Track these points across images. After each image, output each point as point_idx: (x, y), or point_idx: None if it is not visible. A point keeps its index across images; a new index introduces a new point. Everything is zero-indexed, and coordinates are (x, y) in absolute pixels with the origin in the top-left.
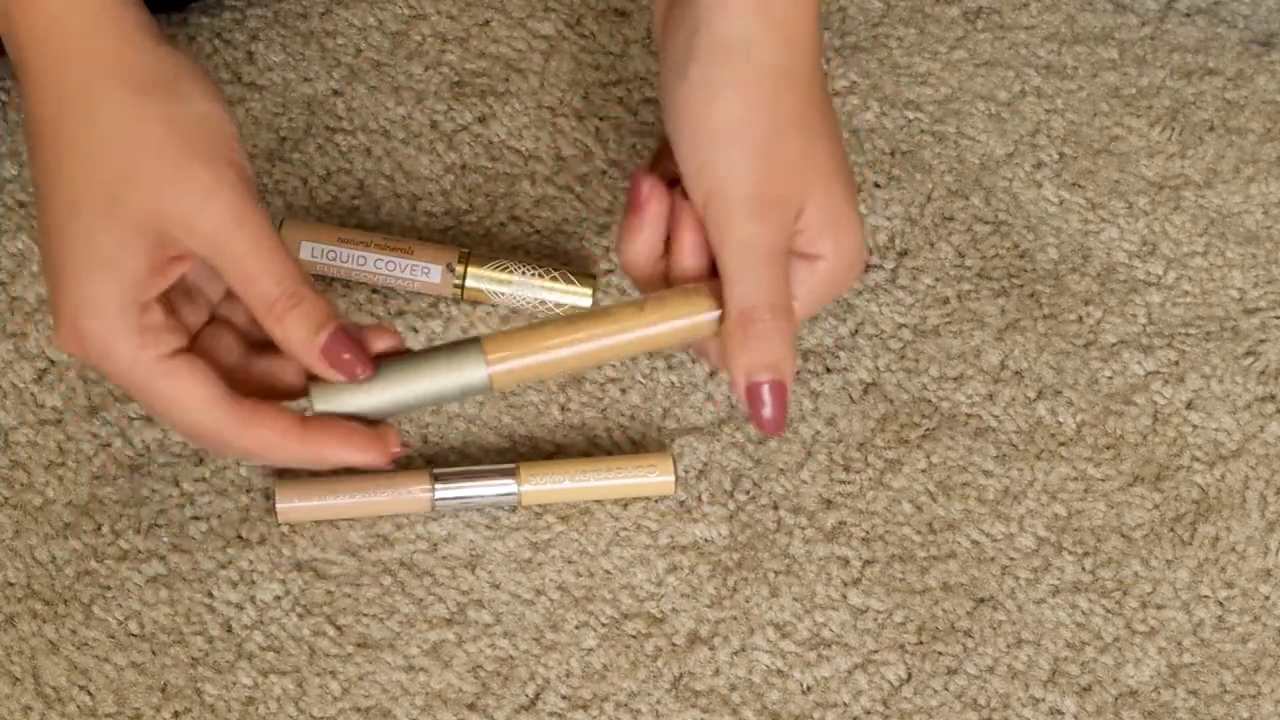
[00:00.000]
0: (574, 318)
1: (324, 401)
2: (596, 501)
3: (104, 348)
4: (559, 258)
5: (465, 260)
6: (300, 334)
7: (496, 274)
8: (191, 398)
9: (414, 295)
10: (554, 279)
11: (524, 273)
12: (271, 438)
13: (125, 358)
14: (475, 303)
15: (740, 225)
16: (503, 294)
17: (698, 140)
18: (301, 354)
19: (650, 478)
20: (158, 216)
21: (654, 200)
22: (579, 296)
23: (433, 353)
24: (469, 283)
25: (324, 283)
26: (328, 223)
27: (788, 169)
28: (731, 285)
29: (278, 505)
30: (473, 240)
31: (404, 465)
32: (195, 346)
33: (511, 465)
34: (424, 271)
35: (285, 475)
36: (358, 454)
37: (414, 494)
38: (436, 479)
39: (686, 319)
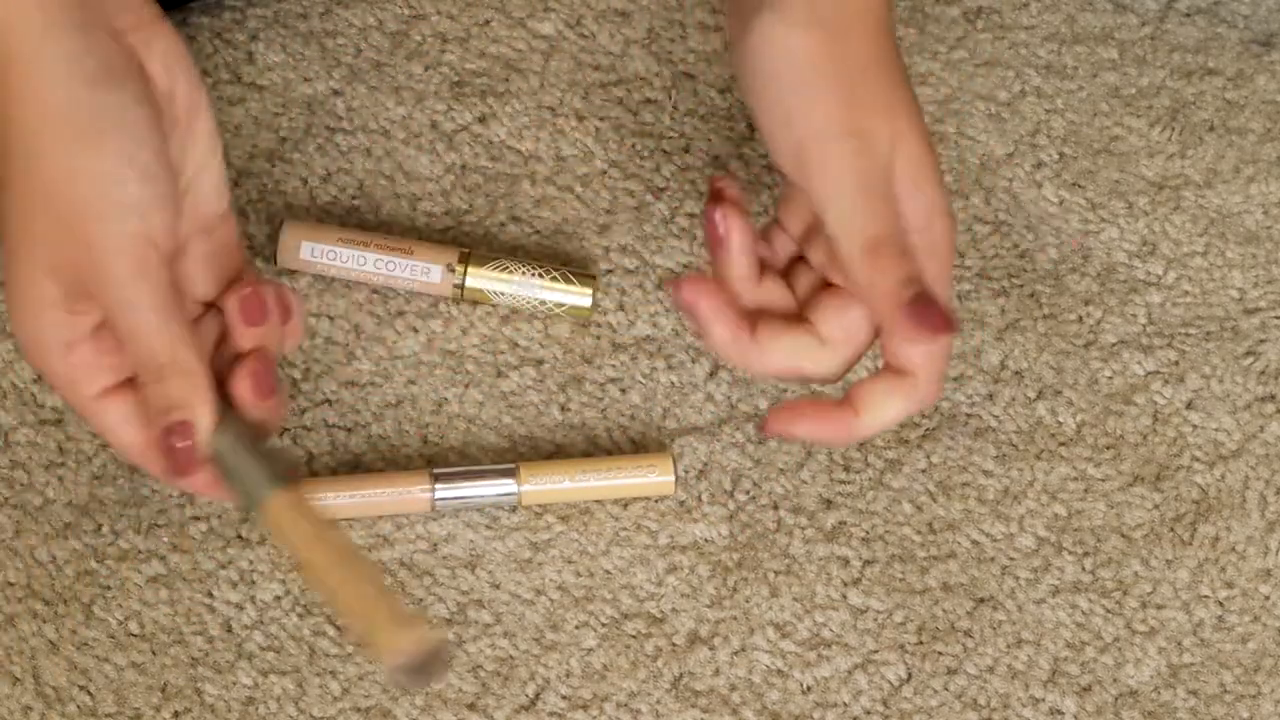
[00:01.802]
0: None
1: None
2: (596, 501)
3: (52, 382)
4: (559, 258)
5: (465, 260)
6: (149, 413)
7: (496, 274)
8: (116, 438)
9: (414, 295)
10: (554, 279)
11: (524, 272)
12: (191, 485)
13: (64, 394)
14: (475, 303)
15: (838, 160)
16: (503, 294)
17: (774, 91)
18: (144, 430)
19: (650, 478)
20: (64, 268)
21: (734, 231)
22: (579, 296)
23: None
24: (469, 282)
25: (324, 282)
26: (328, 223)
27: (873, 107)
28: (846, 222)
29: None
30: (472, 240)
31: (404, 465)
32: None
33: (511, 465)
34: (424, 271)
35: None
36: None
37: (414, 494)
38: (436, 479)
39: None
